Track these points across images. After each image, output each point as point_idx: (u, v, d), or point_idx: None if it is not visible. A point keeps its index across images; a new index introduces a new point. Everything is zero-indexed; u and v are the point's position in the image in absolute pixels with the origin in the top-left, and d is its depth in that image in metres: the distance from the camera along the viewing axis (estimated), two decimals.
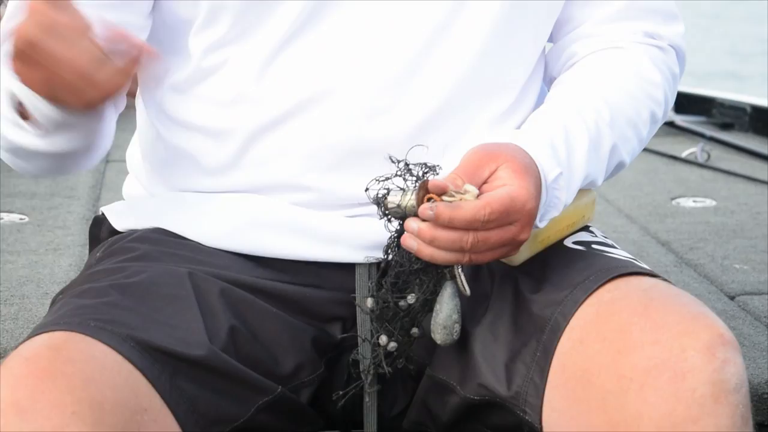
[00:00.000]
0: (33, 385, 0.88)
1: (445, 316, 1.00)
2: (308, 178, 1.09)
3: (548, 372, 0.99)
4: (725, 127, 3.34)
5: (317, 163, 1.09)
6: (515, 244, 0.97)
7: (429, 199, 0.94)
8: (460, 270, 0.99)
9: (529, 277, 1.05)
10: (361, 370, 1.07)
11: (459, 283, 0.99)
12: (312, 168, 1.09)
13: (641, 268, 1.03)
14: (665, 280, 1.03)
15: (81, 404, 0.87)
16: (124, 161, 1.29)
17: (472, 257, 0.95)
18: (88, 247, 1.24)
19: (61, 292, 1.09)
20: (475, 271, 1.06)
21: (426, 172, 0.97)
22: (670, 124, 3.09)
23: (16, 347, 0.95)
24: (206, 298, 1.04)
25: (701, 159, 2.89)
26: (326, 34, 1.07)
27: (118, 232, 1.15)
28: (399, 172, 0.97)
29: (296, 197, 1.10)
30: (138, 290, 1.02)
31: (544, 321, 1.01)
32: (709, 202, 2.55)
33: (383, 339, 1.02)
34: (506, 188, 0.95)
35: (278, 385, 1.04)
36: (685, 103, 3.26)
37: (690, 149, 2.91)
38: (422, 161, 0.98)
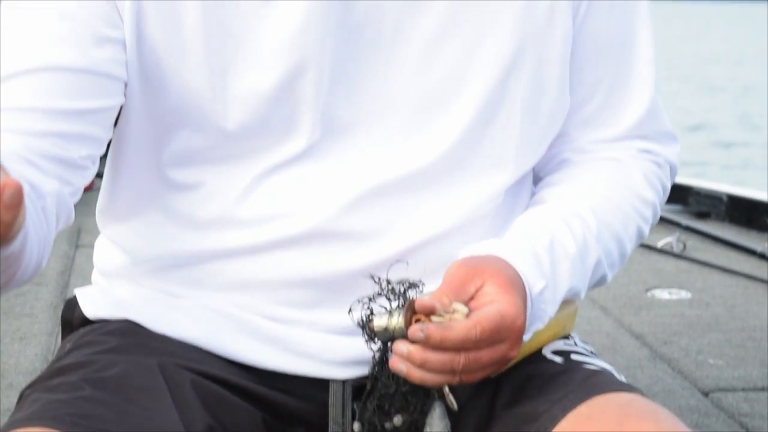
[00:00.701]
0: None
1: None
2: (282, 311, 1.11)
3: None
4: (702, 215, 3.46)
5: (294, 297, 1.12)
6: (505, 362, 0.99)
7: (417, 320, 0.95)
8: (448, 389, 1.00)
9: (506, 390, 1.07)
10: None
11: (448, 400, 1.00)
12: (287, 302, 1.12)
13: (619, 384, 1.05)
14: (642, 394, 1.05)
15: None
16: (94, 247, 1.32)
17: (462, 377, 0.97)
18: (55, 335, 1.29)
19: (30, 386, 1.10)
20: None
21: (408, 289, 0.98)
22: None
23: None
24: (179, 389, 1.06)
25: (677, 249, 2.97)
26: (318, 171, 1.11)
27: (90, 320, 1.17)
28: (382, 292, 0.98)
29: (271, 325, 1.12)
30: (111, 384, 1.04)
31: None
32: (684, 294, 2.61)
33: None
34: (495, 305, 0.97)
35: None
36: None
37: (666, 239, 3.00)
38: (404, 278, 0.99)
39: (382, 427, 1.01)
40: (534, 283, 1.02)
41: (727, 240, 3.14)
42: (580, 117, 1.20)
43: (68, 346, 1.13)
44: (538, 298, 1.02)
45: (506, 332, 0.97)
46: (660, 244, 2.96)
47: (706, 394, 1.92)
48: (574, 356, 1.11)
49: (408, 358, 0.95)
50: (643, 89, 1.20)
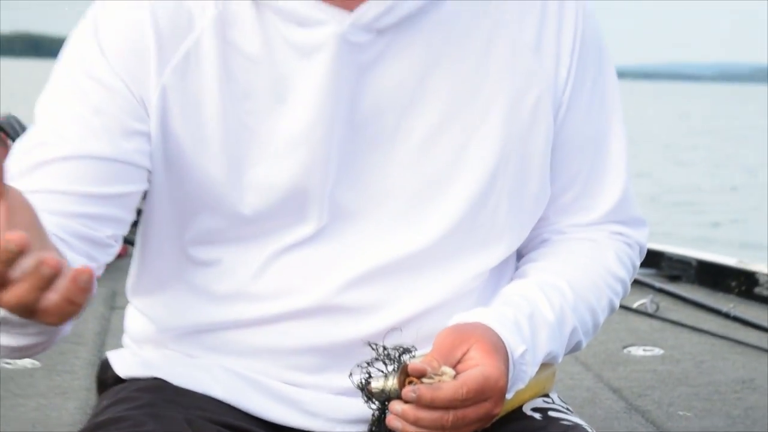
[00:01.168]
0: None
1: None
2: (292, 375, 1.14)
3: None
4: (673, 279, 3.48)
5: (302, 363, 1.14)
6: (489, 418, 1.02)
7: (410, 382, 0.98)
8: None
9: None
10: None
11: None
12: (296, 367, 1.14)
13: None
14: None
15: None
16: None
17: None
18: (93, 390, 1.26)
19: None
20: None
21: (402, 354, 1.01)
22: None
23: None
24: None
25: (651, 309, 3.00)
26: (324, 252, 1.14)
27: (122, 379, 1.20)
28: (379, 357, 1.01)
29: (283, 386, 1.14)
30: None
31: None
32: (657, 351, 2.64)
33: None
34: (479, 368, 0.99)
35: None
36: None
37: (641, 300, 3.03)
38: (398, 344, 1.03)
39: None
40: (515, 347, 1.04)
41: (697, 301, 3.15)
42: (559, 204, 1.21)
43: (104, 402, 1.14)
44: (519, 360, 1.04)
45: (490, 392, 0.99)
46: (635, 305, 3.00)
47: None
48: (551, 413, 1.13)
49: (402, 417, 0.98)
50: (616, 180, 1.22)
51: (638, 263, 1.26)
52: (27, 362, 2.27)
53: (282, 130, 1.10)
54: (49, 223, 0.98)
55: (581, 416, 1.14)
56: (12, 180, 0.99)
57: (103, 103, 1.09)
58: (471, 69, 1.14)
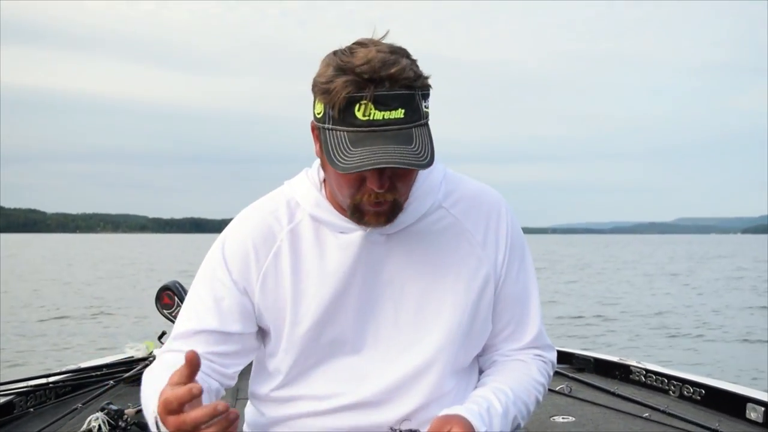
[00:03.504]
0: None
1: None
2: None
3: None
4: (580, 370, 3.84)
5: None
6: None
7: None
8: None
9: None
10: None
11: None
12: None
13: None
14: None
15: None
16: (246, 400, 1.54)
17: None
18: None
19: None
20: None
21: None
22: None
23: None
24: None
25: (566, 391, 3.34)
26: (358, 368, 1.35)
27: None
28: None
29: None
30: None
31: None
32: (571, 418, 3.00)
33: None
34: None
35: None
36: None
37: (560, 385, 3.40)
38: (410, 428, 1.28)
39: None
40: (479, 428, 1.29)
41: (595, 385, 3.46)
42: (501, 336, 1.47)
43: None
44: None
45: None
46: (557, 388, 3.33)
47: None
48: None
49: None
50: (534, 321, 1.48)
51: (552, 372, 1.54)
52: None
53: (331, 291, 1.35)
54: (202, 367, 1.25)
55: None
56: (176, 339, 1.32)
57: (222, 295, 1.36)
58: (444, 257, 1.38)
